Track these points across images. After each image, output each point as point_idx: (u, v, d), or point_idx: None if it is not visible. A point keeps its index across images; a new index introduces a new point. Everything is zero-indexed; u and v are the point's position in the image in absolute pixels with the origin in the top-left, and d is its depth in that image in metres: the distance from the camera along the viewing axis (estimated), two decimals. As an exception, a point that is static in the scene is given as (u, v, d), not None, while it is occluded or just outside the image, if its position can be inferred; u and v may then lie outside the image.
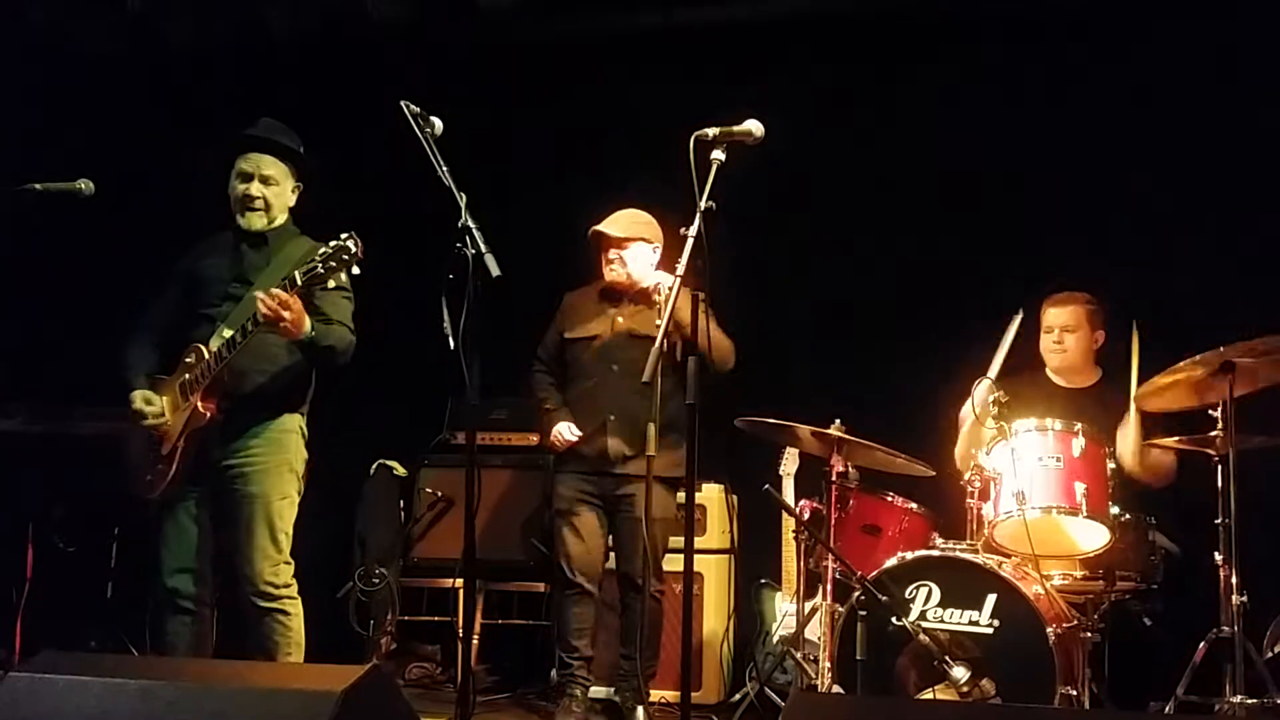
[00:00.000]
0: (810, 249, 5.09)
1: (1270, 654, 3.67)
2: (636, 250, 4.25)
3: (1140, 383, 3.87)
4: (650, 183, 4.41)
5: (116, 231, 5.40)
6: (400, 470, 5.19)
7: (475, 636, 4.74)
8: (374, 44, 5.41)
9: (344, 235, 3.30)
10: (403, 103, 3.09)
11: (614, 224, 4.26)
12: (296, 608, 3.58)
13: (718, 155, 3.01)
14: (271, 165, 3.66)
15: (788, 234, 5.06)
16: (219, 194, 3.71)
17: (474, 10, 5.21)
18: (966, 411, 4.03)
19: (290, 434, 3.62)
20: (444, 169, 3.08)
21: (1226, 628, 3.50)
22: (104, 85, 5.60)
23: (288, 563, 3.58)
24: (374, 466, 5.21)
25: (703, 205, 2.92)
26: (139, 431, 3.58)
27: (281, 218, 3.71)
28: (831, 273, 5.07)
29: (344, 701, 2.37)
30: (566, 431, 4.24)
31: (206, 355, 3.48)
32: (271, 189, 3.66)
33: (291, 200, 3.74)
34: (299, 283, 3.33)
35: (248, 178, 3.64)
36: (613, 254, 4.26)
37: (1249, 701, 3.42)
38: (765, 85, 5.02)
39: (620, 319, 4.28)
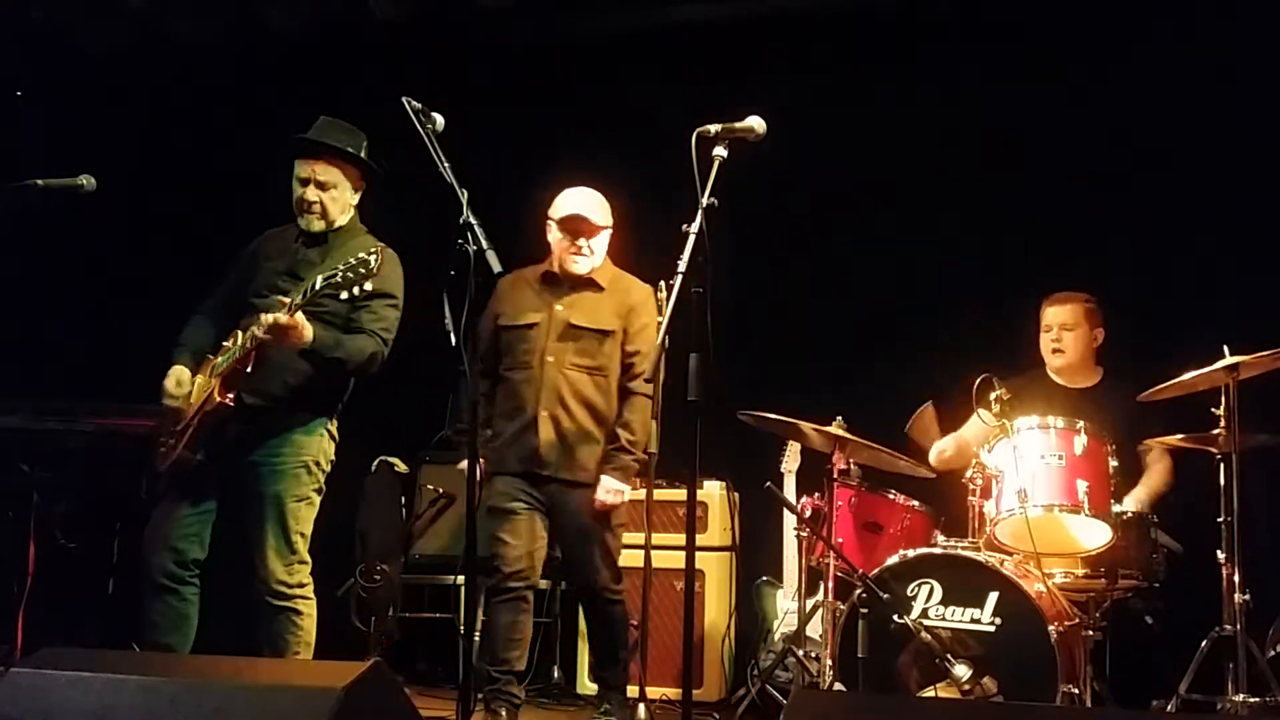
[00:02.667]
0: (813, 247, 5.08)
1: (1273, 652, 3.67)
2: (604, 238, 4.01)
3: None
4: (650, 182, 4.41)
5: (118, 228, 5.41)
6: (402, 467, 5.19)
7: (476, 633, 4.74)
8: (375, 42, 5.40)
9: (372, 249, 3.31)
10: (404, 99, 3.08)
11: (589, 208, 3.97)
12: (310, 608, 3.58)
13: (720, 152, 3.00)
14: (327, 170, 3.64)
15: (790, 231, 5.06)
16: (285, 192, 3.71)
17: (474, 10, 5.20)
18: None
19: (314, 437, 3.61)
20: (445, 165, 3.07)
21: (1229, 626, 3.50)
22: (105, 83, 5.61)
23: (303, 562, 3.58)
24: (375, 463, 5.21)
25: (705, 202, 2.92)
26: (167, 409, 3.60)
27: (342, 219, 3.70)
28: (834, 271, 5.07)
29: (345, 698, 2.37)
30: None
31: (239, 342, 3.49)
32: (329, 194, 3.64)
33: (353, 200, 3.72)
34: (317, 289, 3.33)
35: (304, 183, 3.64)
36: (582, 242, 3.96)
37: (1251, 700, 3.41)
38: (767, 83, 5.03)
39: (559, 307, 3.98)
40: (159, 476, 3.63)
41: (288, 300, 3.35)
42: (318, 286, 3.32)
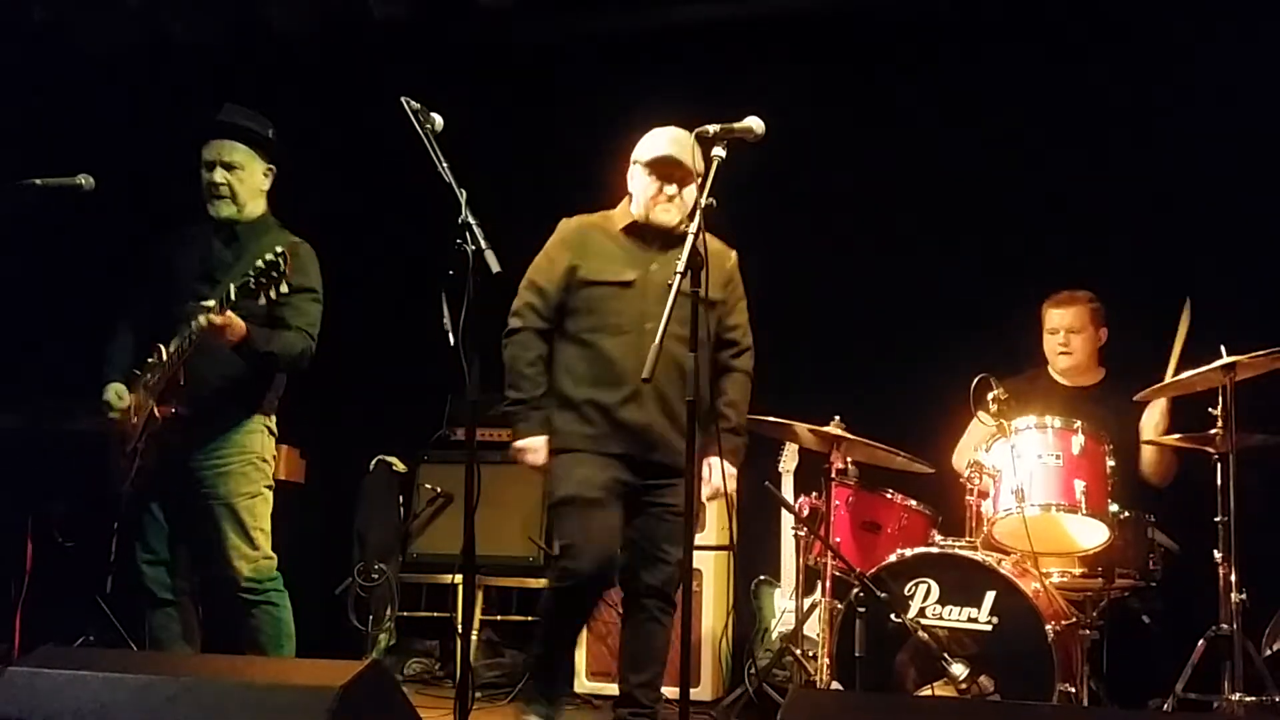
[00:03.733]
0: (810, 246, 5.08)
1: (1269, 652, 3.67)
2: (692, 188, 3.38)
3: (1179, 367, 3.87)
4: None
5: (117, 227, 5.40)
6: (400, 466, 5.20)
7: (474, 632, 4.74)
8: (375, 42, 5.41)
9: (278, 250, 3.30)
10: (403, 98, 3.08)
11: (683, 150, 3.41)
12: (284, 599, 3.59)
13: (718, 152, 3.00)
14: (234, 151, 3.62)
15: (787, 231, 5.06)
16: (195, 184, 3.68)
17: (474, 10, 5.20)
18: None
19: (254, 434, 3.61)
20: (444, 165, 3.08)
21: (1225, 625, 3.50)
22: (104, 82, 5.60)
23: (268, 558, 3.58)
24: (373, 462, 5.22)
25: (703, 202, 2.92)
26: (114, 423, 3.61)
27: (253, 205, 3.66)
28: (831, 270, 5.07)
29: (343, 696, 2.37)
30: (539, 454, 3.47)
31: (165, 356, 3.49)
32: (235, 175, 3.61)
33: (264, 185, 3.69)
34: (233, 296, 3.33)
35: (211, 166, 3.61)
36: (673, 189, 3.45)
37: (1248, 699, 3.42)
38: (766, 83, 5.02)
39: (654, 266, 3.50)
40: (123, 497, 3.64)
41: (211, 303, 3.34)
42: (232, 296, 3.32)
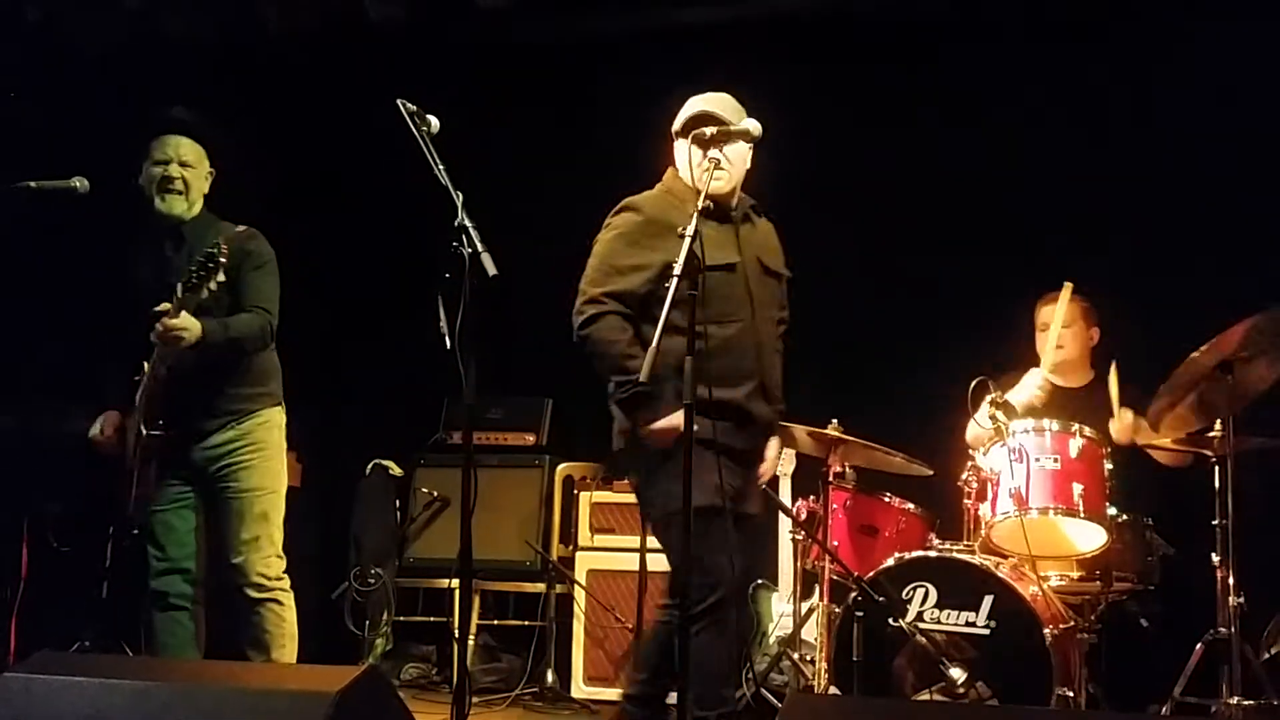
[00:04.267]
0: (807, 248, 5.07)
1: (1267, 655, 3.67)
2: (743, 151, 3.21)
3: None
4: (649, 184, 4.39)
5: (114, 229, 5.39)
6: (396, 470, 5.19)
7: (471, 637, 4.73)
8: (373, 43, 5.40)
9: (212, 246, 3.32)
10: (399, 101, 3.08)
11: (723, 107, 3.22)
12: (290, 599, 3.61)
13: (714, 155, 2.99)
14: (188, 148, 3.63)
15: (786, 231, 5.05)
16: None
17: (474, 10, 5.20)
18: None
19: (272, 428, 3.64)
20: (440, 168, 3.07)
21: (1224, 629, 3.50)
22: (101, 83, 5.59)
23: (279, 556, 3.60)
24: (370, 466, 5.21)
25: (700, 204, 2.91)
26: (109, 452, 3.62)
27: (198, 204, 3.67)
28: (830, 271, 5.06)
29: (339, 702, 2.36)
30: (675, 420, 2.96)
31: (145, 375, 3.49)
32: (190, 171, 3.62)
33: (206, 185, 3.70)
34: (179, 295, 3.34)
35: (166, 161, 3.60)
36: (714, 152, 3.06)
37: (1246, 703, 3.42)
38: (764, 84, 5.01)
39: (747, 243, 3.29)
40: (133, 516, 3.63)
41: (167, 306, 3.35)
42: (180, 295, 3.33)
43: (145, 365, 3.50)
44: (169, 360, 3.44)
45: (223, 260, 3.29)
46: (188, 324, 3.37)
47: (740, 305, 3.20)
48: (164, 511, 3.58)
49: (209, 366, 3.52)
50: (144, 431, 3.49)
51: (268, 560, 3.55)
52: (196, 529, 3.60)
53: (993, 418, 3.77)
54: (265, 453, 3.60)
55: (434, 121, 3.11)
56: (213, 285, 3.31)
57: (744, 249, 3.27)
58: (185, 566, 3.58)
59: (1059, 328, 4.03)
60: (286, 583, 3.60)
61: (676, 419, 2.92)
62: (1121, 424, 4.02)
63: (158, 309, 3.36)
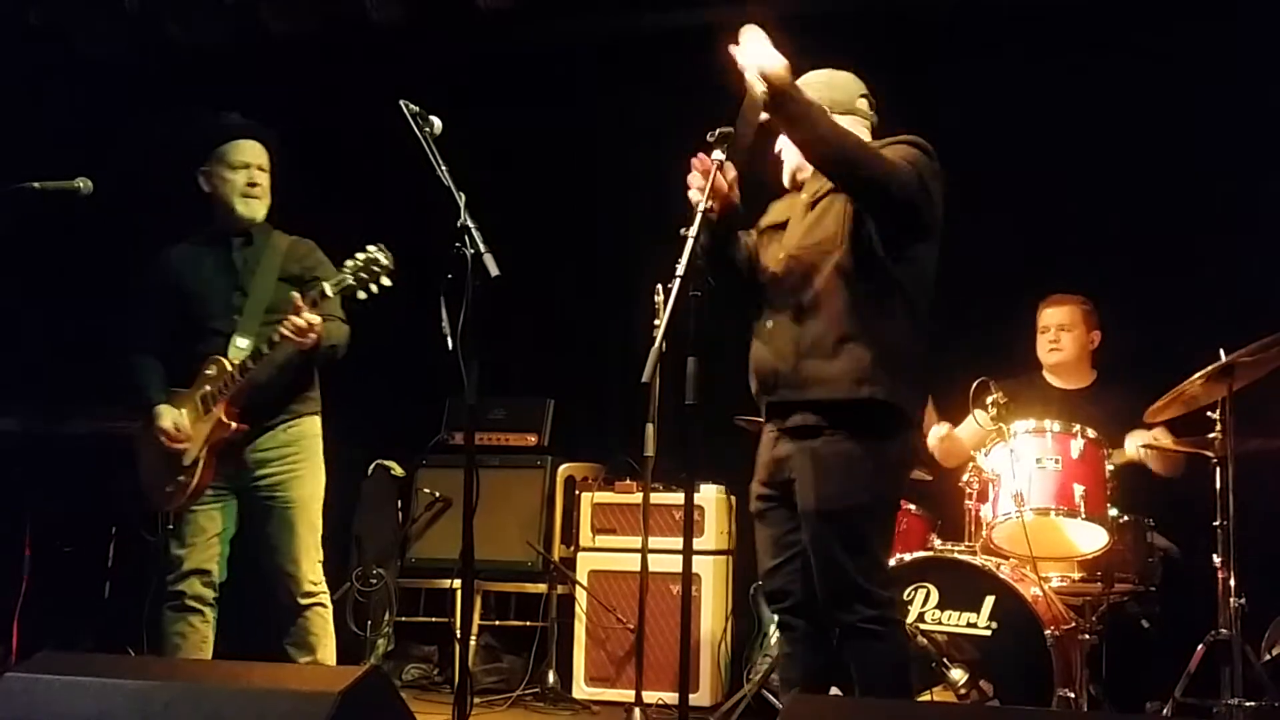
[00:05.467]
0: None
1: (1268, 656, 3.68)
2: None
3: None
4: (649, 184, 4.40)
5: (115, 231, 5.40)
6: (398, 470, 5.19)
7: (472, 638, 4.74)
8: (373, 44, 5.41)
9: (372, 247, 3.31)
10: (402, 102, 3.08)
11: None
12: (329, 600, 3.65)
13: (718, 156, 3.00)
14: (260, 153, 3.63)
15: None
16: (189, 193, 3.66)
17: (473, 11, 5.21)
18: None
19: (317, 437, 3.67)
20: (443, 168, 3.07)
21: (1225, 630, 3.50)
22: (102, 85, 5.60)
23: (321, 560, 3.64)
24: (372, 467, 5.21)
25: (703, 206, 2.91)
26: (156, 445, 3.55)
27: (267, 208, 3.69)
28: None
29: (341, 702, 2.36)
30: None
31: (229, 367, 3.48)
32: (263, 175, 3.63)
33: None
34: (329, 294, 3.34)
35: (244, 166, 3.59)
36: (777, 147, 3.12)
37: (1247, 704, 3.42)
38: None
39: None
40: (169, 514, 3.63)
41: (301, 302, 3.35)
42: (329, 293, 3.34)
43: (223, 360, 3.48)
44: (281, 359, 3.44)
45: (390, 267, 3.28)
46: (322, 329, 3.39)
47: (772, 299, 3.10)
48: (197, 511, 3.56)
49: (284, 369, 3.52)
50: (224, 419, 3.47)
51: (315, 566, 3.59)
52: (223, 532, 3.59)
53: (994, 419, 3.78)
54: (313, 461, 3.62)
55: (436, 122, 3.11)
56: (374, 289, 3.31)
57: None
58: (207, 568, 3.56)
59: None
60: (325, 585, 3.63)
61: None
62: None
63: (304, 313, 3.32)
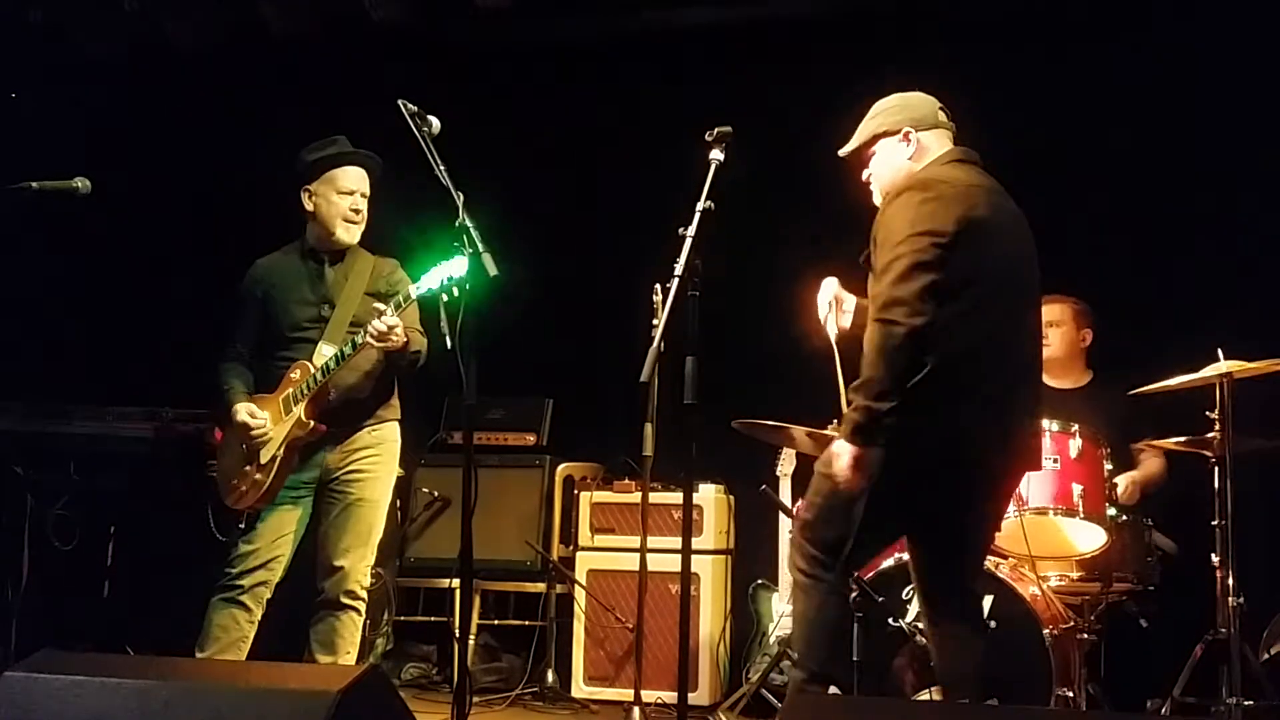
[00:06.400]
0: (810, 247, 5.08)
1: (1267, 655, 3.68)
2: (880, 152, 3.23)
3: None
4: (649, 183, 4.41)
5: (114, 230, 5.40)
6: (397, 470, 5.18)
7: (471, 637, 4.74)
8: (373, 44, 5.41)
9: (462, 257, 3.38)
10: (400, 101, 3.09)
11: (853, 138, 3.33)
12: (365, 609, 3.70)
13: (716, 155, 3.00)
14: (365, 180, 3.75)
15: (787, 232, 5.06)
16: (286, 207, 3.76)
17: (474, 10, 5.21)
18: None
19: (395, 443, 3.76)
20: (441, 168, 3.08)
21: (1223, 629, 3.51)
22: (102, 85, 5.60)
23: (371, 567, 3.71)
24: (371, 466, 5.21)
25: (701, 205, 2.92)
26: (235, 443, 3.65)
27: None
28: (830, 272, 5.06)
29: (340, 701, 2.36)
30: None
31: (312, 369, 3.57)
32: (365, 202, 3.75)
33: None
34: (413, 298, 3.42)
35: (350, 193, 3.70)
36: (864, 174, 3.26)
37: (1245, 703, 3.42)
38: (766, 84, 5.03)
39: None
40: (242, 513, 3.70)
41: (384, 307, 3.45)
42: (414, 296, 3.41)
43: (307, 364, 3.58)
44: (367, 366, 3.58)
45: (464, 282, 3.31)
46: (404, 332, 3.49)
47: None
48: (276, 509, 3.62)
49: (370, 375, 3.63)
50: (303, 418, 3.55)
51: (365, 571, 3.64)
52: (294, 533, 3.64)
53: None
54: (389, 466, 3.72)
55: (435, 122, 3.12)
56: (456, 292, 3.32)
57: None
58: (272, 568, 3.60)
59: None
60: (366, 595, 3.69)
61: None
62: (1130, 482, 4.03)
63: (384, 316, 3.41)
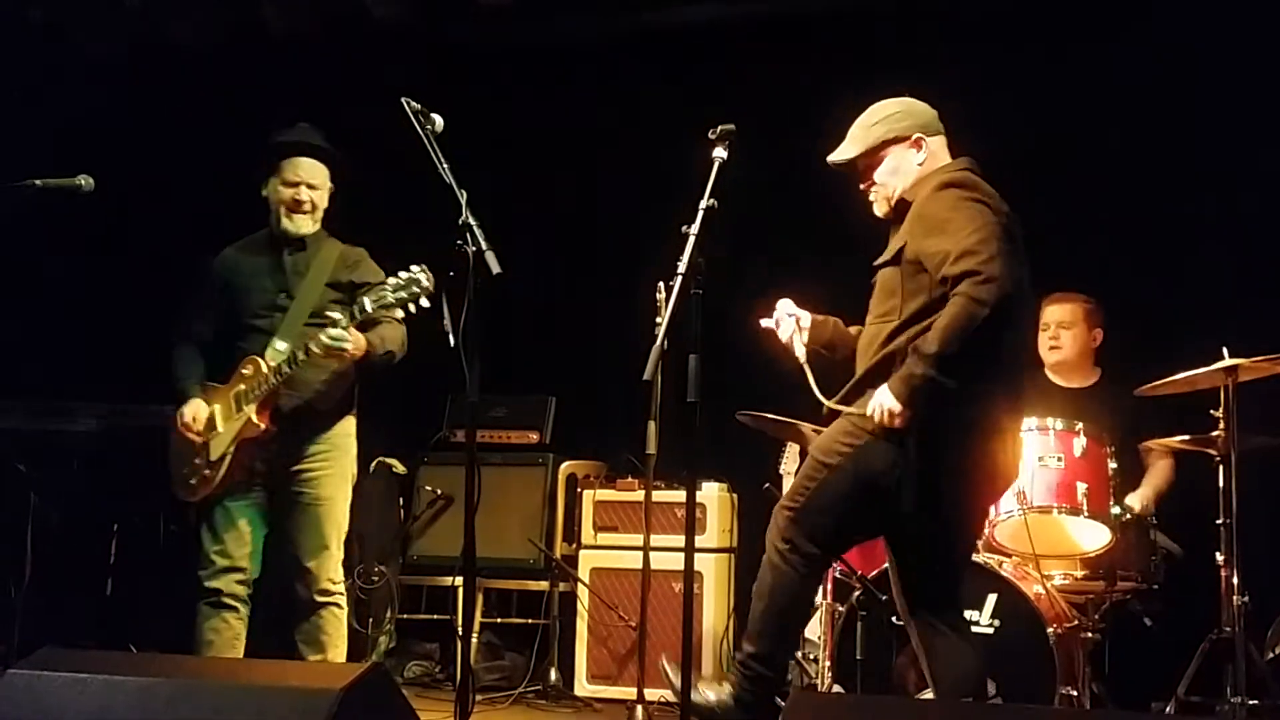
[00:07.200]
0: (808, 246, 5.08)
1: (1271, 655, 3.67)
2: (888, 160, 3.15)
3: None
4: (649, 183, 4.41)
5: (115, 228, 5.40)
6: (400, 468, 5.19)
7: (474, 635, 4.73)
8: (374, 43, 5.40)
9: (415, 268, 3.38)
10: (404, 99, 3.08)
11: (843, 146, 3.23)
12: (346, 602, 3.69)
13: (719, 153, 3.00)
14: (316, 170, 3.71)
15: (788, 231, 5.05)
16: (252, 196, 3.74)
17: (474, 10, 5.20)
18: None
19: (349, 437, 3.73)
20: (444, 166, 3.07)
21: (1228, 628, 3.50)
22: (102, 83, 5.60)
23: (342, 560, 3.68)
24: (373, 464, 5.20)
25: (704, 204, 2.91)
26: (184, 435, 3.63)
27: (320, 220, 3.77)
28: (831, 270, 5.05)
29: (343, 699, 2.36)
30: None
31: (264, 369, 3.54)
32: (317, 193, 3.72)
33: (326, 203, 3.79)
34: (369, 310, 3.41)
35: (295, 184, 3.68)
36: (863, 184, 3.20)
37: (1250, 702, 3.41)
38: (766, 83, 5.02)
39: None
40: (191, 506, 3.69)
41: (338, 316, 3.42)
42: (370, 309, 3.40)
43: (260, 360, 3.54)
44: (321, 375, 3.55)
45: (429, 289, 3.34)
46: (358, 340, 3.46)
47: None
48: (232, 508, 3.61)
49: (324, 371, 3.58)
50: (255, 419, 3.53)
51: (336, 566, 3.63)
52: (258, 530, 3.63)
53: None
54: (345, 460, 3.69)
55: (438, 120, 3.11)
56: (413, 309, 3.38)
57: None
58: (242, 566, 3.60)
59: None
60: (344, 586, 3.68)
61: None
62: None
63: (332, 331, 3.39)
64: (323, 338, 3.42)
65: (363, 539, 5.06)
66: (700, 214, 2.90)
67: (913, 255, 2.97)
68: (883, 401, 2.86)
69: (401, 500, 5.14)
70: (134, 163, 5.36)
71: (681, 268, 2.87)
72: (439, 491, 4.99)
